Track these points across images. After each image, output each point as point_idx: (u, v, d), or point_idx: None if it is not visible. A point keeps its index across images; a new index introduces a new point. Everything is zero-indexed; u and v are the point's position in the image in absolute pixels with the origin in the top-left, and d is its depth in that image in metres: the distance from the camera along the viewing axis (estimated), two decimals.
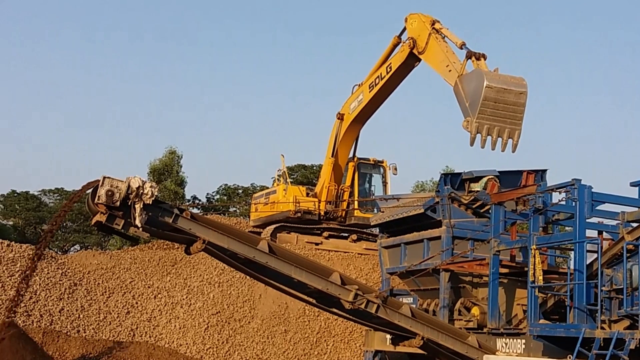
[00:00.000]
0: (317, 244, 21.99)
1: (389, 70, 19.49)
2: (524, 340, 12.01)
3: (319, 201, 22.53)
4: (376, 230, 19.69)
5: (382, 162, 24.15)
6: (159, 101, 76.92)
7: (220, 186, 47.13)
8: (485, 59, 15.37)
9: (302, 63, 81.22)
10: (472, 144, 14.37)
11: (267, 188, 26.12)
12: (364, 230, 23.17)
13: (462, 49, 16.29)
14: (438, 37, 17.41)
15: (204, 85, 78.94)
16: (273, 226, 22.21)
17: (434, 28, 17.50)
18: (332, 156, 22.32)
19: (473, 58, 15.52)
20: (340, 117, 21.76)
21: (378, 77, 19.93)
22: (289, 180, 25.18)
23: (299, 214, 22.49)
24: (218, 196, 46.29)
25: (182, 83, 79.03)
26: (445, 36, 17.20)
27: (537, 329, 11.07)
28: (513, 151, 14.56)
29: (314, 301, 11.32)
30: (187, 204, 38.76)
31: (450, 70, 16.27)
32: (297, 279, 10.25)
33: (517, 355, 11.38)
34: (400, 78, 19.73)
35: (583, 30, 78.16)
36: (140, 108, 75.49)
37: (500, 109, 14.16)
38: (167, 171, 38.36)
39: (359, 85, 21.09)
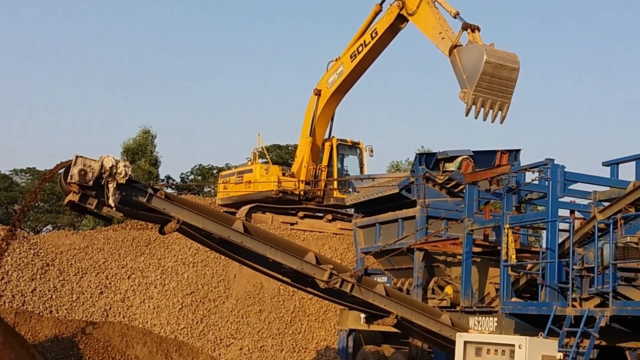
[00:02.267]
0: (292, 224, 21.99)
1: (374, 35, 19.49)
2: (496, 318, 12.15)
3: (299, 181, 22.38)
4: (351, 210, 19.74)
5: (358, 143, 24.10)
6: (133, 80, 76.10)
7: (195, 166, 46.88)
8: (479, 31, 15.74)
9: (276, 43, 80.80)
10: (467, 114, 15.01)
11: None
12: (340, 210, 23.22)
13: (455, 18, 16.53)
14: (430, 2, 17.52)
15: (178, 64, 78.28)
16: (248, 206, 22.13)
17: None
18: (309, 135, 22.15)
19: (469, 30, 15.77)
20: (318, 92, 21.56)
21: (361, 44, 19.90)
22: (269, 159, 25.16)
23: (280, 194, 22.38)
24: (192, 176, 46.03)
25: (156, 62, 78.25)
26: (438, 2, 17.31)
27: (509, 307, 11.20)
28: (501, 122, 15.28)
29: (289, 281, 11.29)
30: (161, 183, 38.48)
31: (443, 38, 16.44)
32: (272, 258, 10.21)
33: (489, 333, 11.51)
34: (386, 43, 19.73)
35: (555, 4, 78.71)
36: (114, 87, 74.65)
37: (495, 83, 14.81)
38: (141, 151, 38.04)
39: (336, 60, 21.02)
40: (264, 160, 25.04)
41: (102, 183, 8.87)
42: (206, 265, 18.95)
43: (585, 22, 79.23)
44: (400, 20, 18.70)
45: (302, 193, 22.73)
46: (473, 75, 14.91)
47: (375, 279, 15.30)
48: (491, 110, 15.15)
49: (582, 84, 72.38)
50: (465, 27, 15.83)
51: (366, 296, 10.62)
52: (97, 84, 74.38)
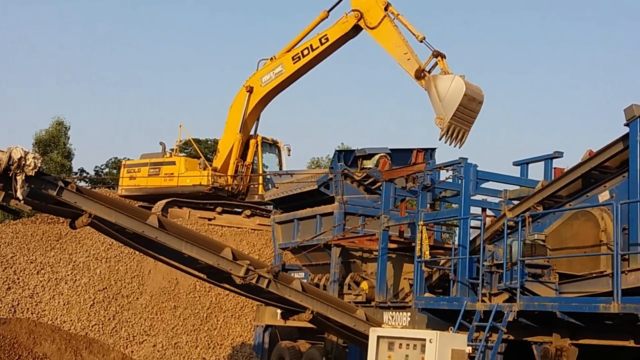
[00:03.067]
0: (210, 220, 21.74)
1: (324, 42, 19.56)
2: (409, 313, 12.40)
3: (233, 176, 22.35)
4: (270, 207, 19.73)
5: (277, 142, 24.20)
6: (46, 70, 73.42)
7: (110, 159, 45.67)
8: (445, 59, 16.85)
9: (195, 36, 79.56)
10: (440, 139, 16.11)
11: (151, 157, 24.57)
12: (259, 206, 23.16)
13: (422, 42, 17.25)
14: (391, 19, 18.01)
15: (93, 54, 75.95)
16: (164, 201, 21.73)
17: (389, 11, 18.10)
18: (240, 131, 22.03)
19: (439, 57, 16.74)
20: (250, 89, 21.38)
21: (307, 48, 19.92)
22: (200, 153, 24.88)
23: (213, 190, 22.11)
24: (107, 169, 44.87)
25: (70, 52, 75.71)
26: (402, 24, 17.84)
27: (422, 302, 11.43)
28: (459, 147, 16.42)
29: (205, 277, 11.18)
30: (74, 176, 37.34)
31: (409, 60, 17.14)
32: (188, 254, 10.08)
33: (401, 328, 11.73)
34: (334, 49, 19.85)
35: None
36: (27, 77, 71.83)
37: (465, 113, 16.02)
38: (53, 143, 36.81)
39: (271, 59, 20.92)
40: (185, 153, 24.53)
41: (10, 175, 8.54)
42: (119, 260, 18.51)
43: (503, 19, 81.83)
44: (355, 30, 18.89)
45: (229, 189, 22.64)
46: (450, 105, 15.86)
47: (292, 274, 15.33)
48: (457, 137, 16.19)
49: (495, 86, 74.69)
50: (436, 54, 16.74)
51: (282, 292, 10.63)
52: (7, 72, 71.47)
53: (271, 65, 20.92)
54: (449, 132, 15.98)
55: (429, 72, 16.65)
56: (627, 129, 9.13)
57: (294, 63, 20.25)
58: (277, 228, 17.40)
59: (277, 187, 17.71)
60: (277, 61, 20.78)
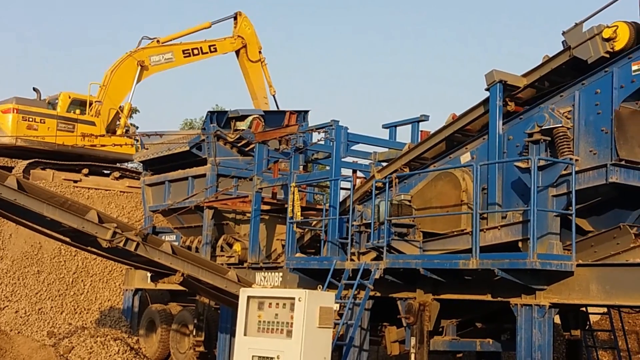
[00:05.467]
0: (75, 182, 20.84)
1: (212, 50, 23.17)
2: (281, 273, 12.55)
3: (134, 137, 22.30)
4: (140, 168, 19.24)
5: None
6: None
7: None
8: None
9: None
10: None
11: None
12: (128, 167, 22.56)
13: (273, 95, 23.37)
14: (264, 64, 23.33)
15: None
16: (26, 162, 20.55)
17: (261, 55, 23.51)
18: (130, 100, 22.88)
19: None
20: (142, 64, 22.36)
21: (198, 49, 22.97)
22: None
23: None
24: None
25: None
26: (266, 74, 23.43)
27: (293, 262, 11.58)
28: None
29: (69, 240, 10.82)
30: None
31: (266, 103, 22.43)
32: (50, 217, 9.66)
33: (272, 287, 11.86)
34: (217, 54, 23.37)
35: None
36: None
37: None
38: None
39: (157, 41, 22.75)
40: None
41: None
42: None
43: None
44: (237, 53, 23.49)
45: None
46: None
47: (163, 237, 15.08)
48: None
49: (368, 51, 76.01)
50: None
51: (152, 255, 10.45)
52: None
53: (161, 49, 22.81)
54: None
55: None
56: (487, 94, 9.55)
57: (184, 57, 22.93)
58: (147, 190, 17.01)
59: (147, 148, 17.24)
60: (167, 48, 22.93)
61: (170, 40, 23.09)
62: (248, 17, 23.51)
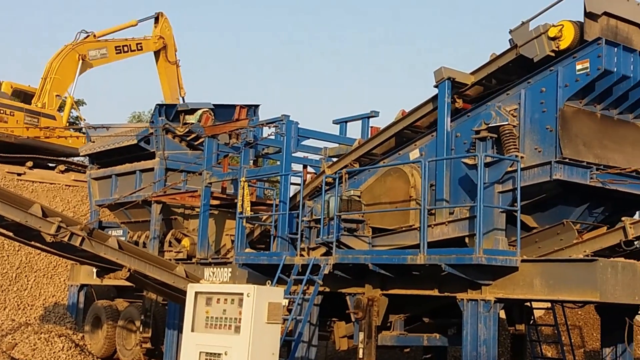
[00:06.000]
0: (19, 175, 20.33)
1: (139, 48, 24.30)
2: (230, 269, 12.46)
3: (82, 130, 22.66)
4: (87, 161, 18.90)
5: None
6: None
7: None
8: None
9: None
10: None
11: None
12: (73, 160, 22.14)
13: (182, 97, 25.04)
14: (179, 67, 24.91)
15: None
16: None
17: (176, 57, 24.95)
18: (72, 93, 23.48)
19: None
20: (82, 58, 22.88)
21: (127, 47, 23.99)
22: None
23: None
24: None
25: None
26: (179, 76, 25.12)
27: (243, 257, 11.50)
28: None
29: (12, 234, 10.52)
30: None
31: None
32: None
33: (221, 283, 11.76)
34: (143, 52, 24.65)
35: None
36: None
37: None
38: None
39: (94, 35, 23.49)
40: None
41: None
42: None
43: None
44: (158, 53, 24.72)
45: None
46: None
47: (110, 232, 14.83)
48: None
49: (317, 48, 76.23)
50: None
51: (97, 250, 10.24)
52: None
53: (98, 44, 23.69)
54: None
55: None
56: (436, 91, 9.64)
57: (116, 53, 23.92)
58: (93, 184, 16.69)
59: (94, 141, 16.91)
60: (102, 44, 23.82)
61: (104, 35, 24.03)
62: (169, 18, 24.83)
